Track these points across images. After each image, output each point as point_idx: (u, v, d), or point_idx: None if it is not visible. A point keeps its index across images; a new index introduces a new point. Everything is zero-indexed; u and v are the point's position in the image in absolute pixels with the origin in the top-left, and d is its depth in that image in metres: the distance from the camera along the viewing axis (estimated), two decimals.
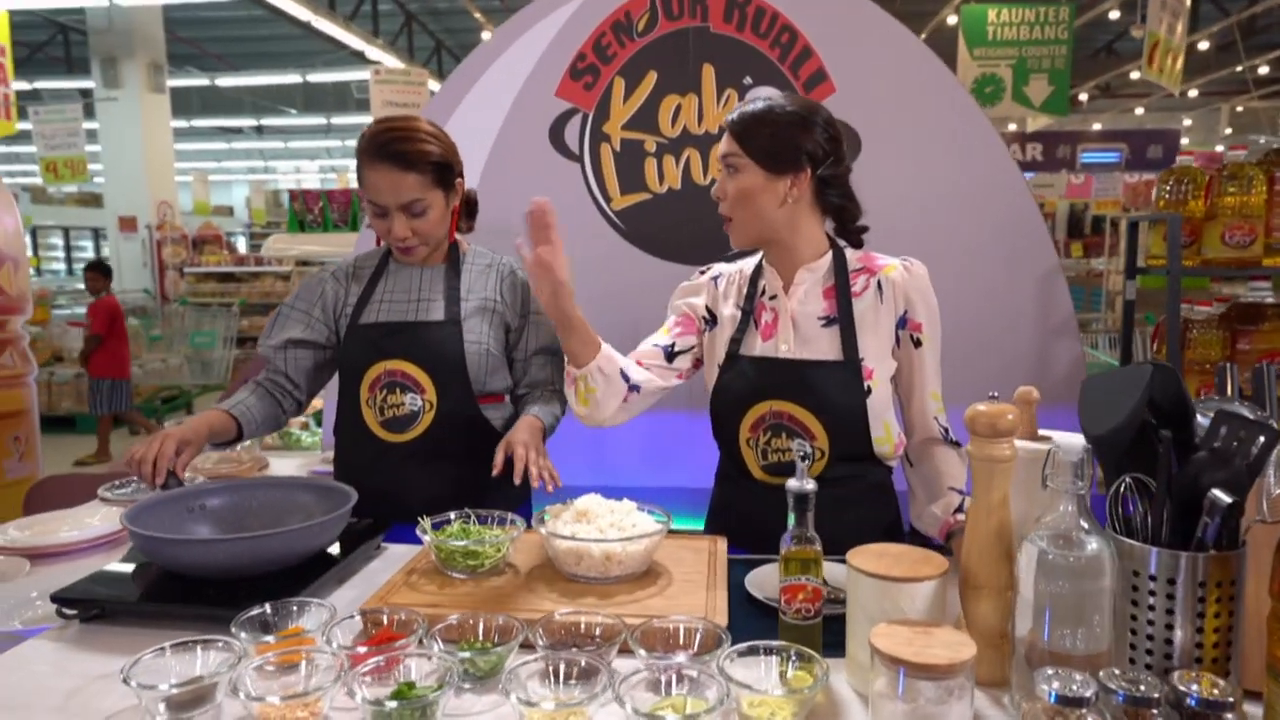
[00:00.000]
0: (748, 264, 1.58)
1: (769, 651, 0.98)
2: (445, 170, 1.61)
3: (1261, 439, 0.88)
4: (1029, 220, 2.38)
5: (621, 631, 1.04)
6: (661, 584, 1.24)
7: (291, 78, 11.51)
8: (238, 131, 17.42)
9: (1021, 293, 2.38)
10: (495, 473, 1.43)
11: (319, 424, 4.35)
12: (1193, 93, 13.70)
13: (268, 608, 1.07)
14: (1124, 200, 9.69)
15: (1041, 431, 1.12)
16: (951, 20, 9.36)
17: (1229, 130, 16.03)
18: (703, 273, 1.63)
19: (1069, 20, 7.42)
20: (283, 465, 2.41)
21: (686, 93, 2.39)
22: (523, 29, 2.47)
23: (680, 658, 1.00)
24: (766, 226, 1.45)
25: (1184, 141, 13.84)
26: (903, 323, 1.46)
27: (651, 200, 2.44)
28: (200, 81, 12.57)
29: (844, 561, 1.02)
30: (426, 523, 1.29)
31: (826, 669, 0.94)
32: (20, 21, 10.44)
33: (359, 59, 11.28)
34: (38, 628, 1.20)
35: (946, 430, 1.48)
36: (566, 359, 1.46)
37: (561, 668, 0.96)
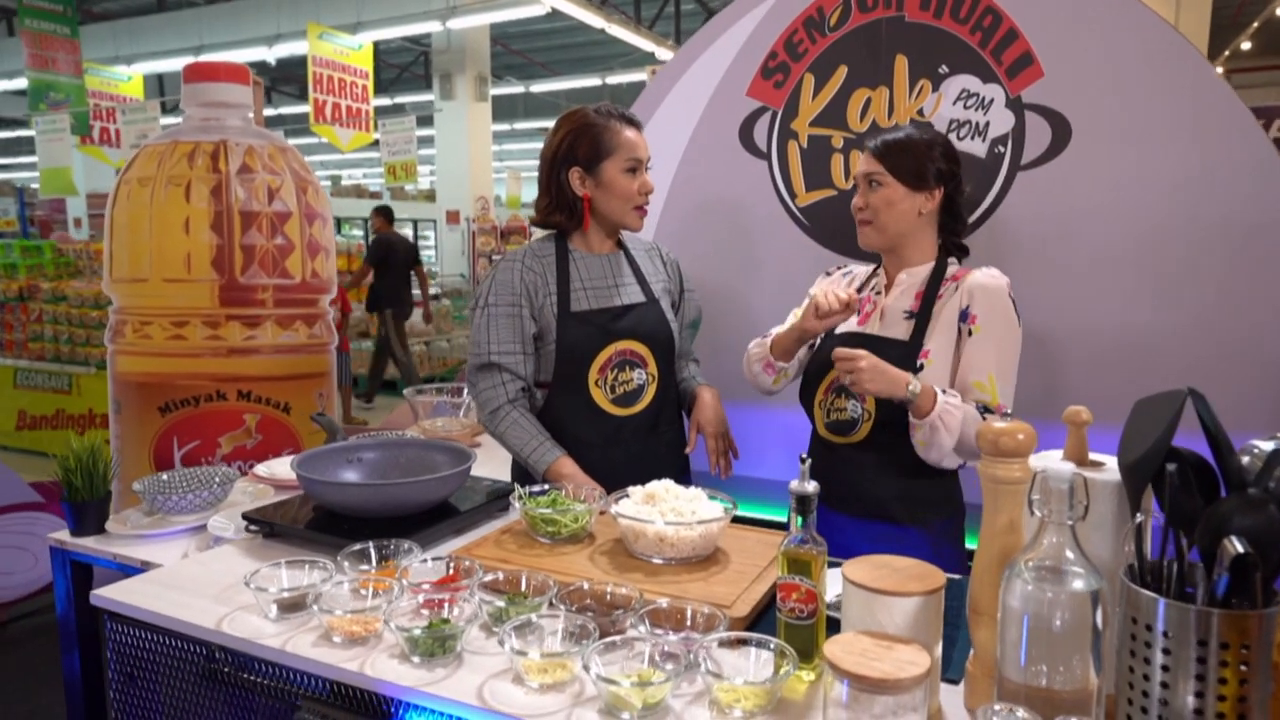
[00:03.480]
0: (871, 267, 1.86)
1: (753, 643, 1.01)
2: None
3: None
4: None
5: (635, 604, 1.12)
6: (712, 571, 1.29)
7: (592, 81, 12.49)
8: None
9: (1274, 299, 2.00)
10: (689, 450, 1.78)
11: None
12: None
13: (370, 545, 1.30)
14: None
15: (1094, 456, 1.00)
16: None
17: None
18: (840, 267, 1.95)
19: None
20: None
21: (877, 86, 2.32)
22: (720, 31, 2.55)
23: (675, 636, 1.07)
24: (897, 232, 1.69)
25: None
26: (963, 316, 1.61)
27: (836, 196, 2.40)
28: (517, 89, 14.11)
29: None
30: (522, 490, 1.46)
31: (794, 663, 0.96)
32: (393, 48, 12.46)
33: (653, 59, 11.93)
34: (238, 535, 1.55)
35: (984, 405, 1.55)
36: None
37: (561, 628, 1.08)
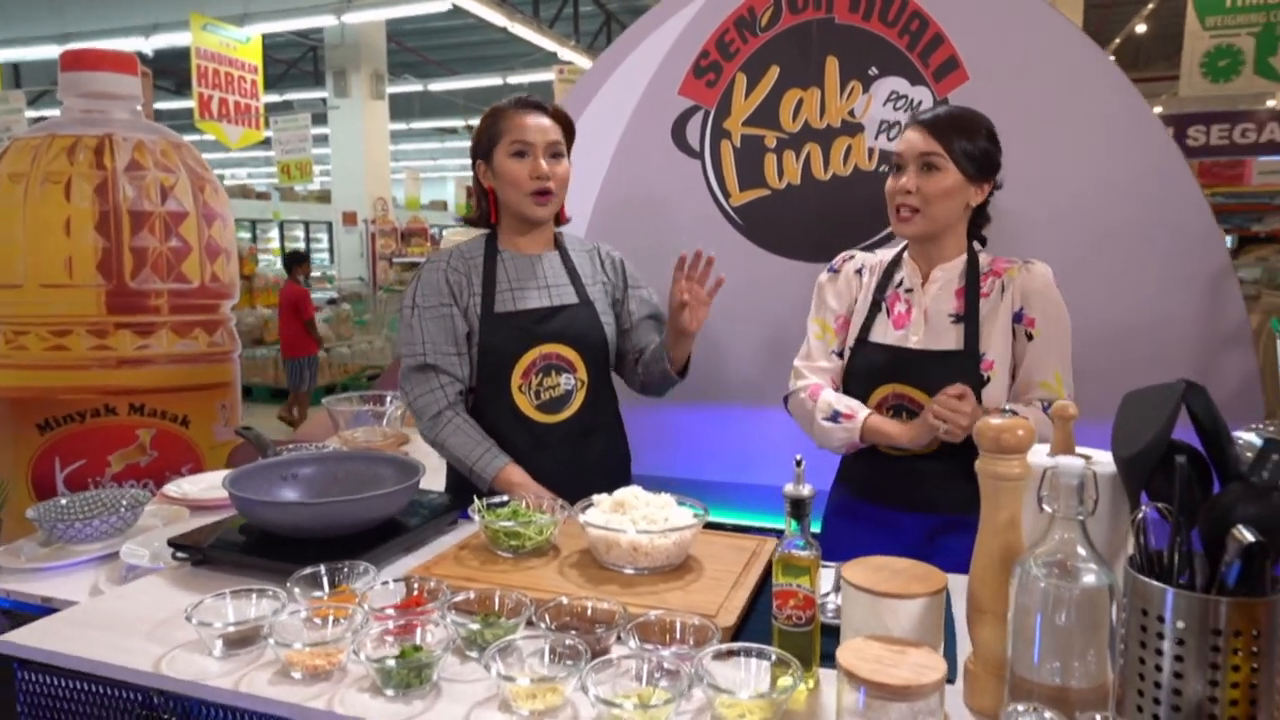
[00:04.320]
0: (886, 254, 1.71)
1: (750, 654, 0.98)
2: (570, 134, 1.76)
3: None
4: (1195, 214, 2.12)
5: (619, 619, 1.07)
6: (688, 579, 1.25)
7: (493, 80, 12.29)
8: (452, 131, 18.83)
9: (1184, 296, 2.13)
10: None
11: None
12: None
13: (321, 568, 1.20)
14: None
15: (1081, 450, 1.02)
16: None
17: None
18: (847, 260, 1.75)
19: None
20: (422, 441, 2.63)
21: (809, 86, 2.34)
22: (651, 28, 2.52)
23: (668, 651, 1.02)
24: (944, 225, 1.57)
25: None
26: (1018, 317, 1.55)
27: (770, 196, 2.41)
28: (415, 87, 13.74)
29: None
30: (480, 503, 1.39)
31: (799, 675, 0.93)
32: (280, 43, 11.93)
33: (555, 60, 11.84)
34: (163, 565, 1.41)
35: (1048, 402, 1.48)
36: None
37: (548, 647, 1.02)
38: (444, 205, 19.80)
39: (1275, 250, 9.39)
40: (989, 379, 1.53)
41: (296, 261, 7.31)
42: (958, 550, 1.48)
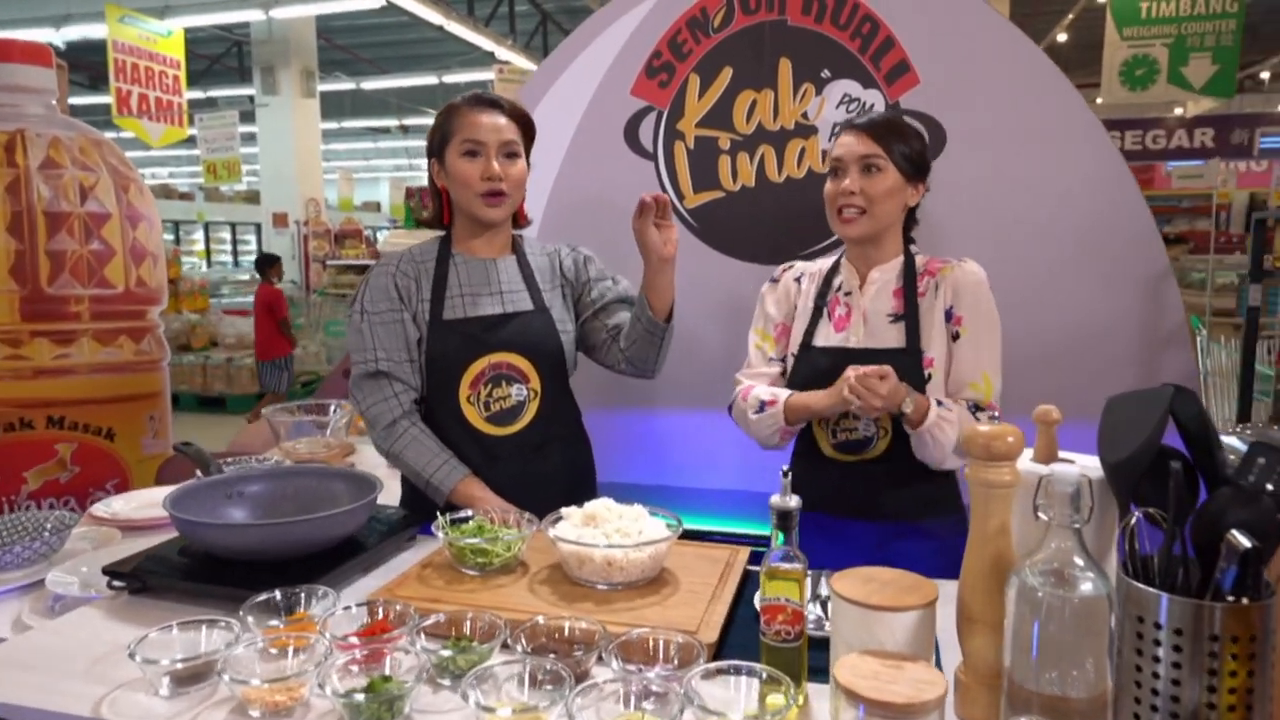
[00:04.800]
0: (825, 263, 1.74)
1: (738, 671, 0.95)
2: (529, 132, 1.68)
3: None
4: (1136, 217, 2.18)
5: (600, 640, 1.03)
6: (665, 593, 1.22)
7: (428, 79, 12.06)
8: (385, 131, 18.45)
9: (1127, 297, 2.18)
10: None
11: None
12: None
13: (277, 593, 1.13)
14: None
15: (1063, 454, 1.02)
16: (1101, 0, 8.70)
17: None
18: (786, 270, 1.77)
19: None
20: (369, 452, 2.54)
21: (762, 88, 2.34)
22: (599, 30, 2.48)
23: (654, 672, 0.98)
24: (886, 225, 1.60)
25: None
26: (948, 315, 1.58)
27: (725, 198, 2.39)
28: (347, 86, 13.40)
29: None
30: (444, 519, 1.33)
31: (793, 694, 0.90)
32: (202, 37, 11.49)
33: (492, 59, 11.69)
34: (97, 595, 1.31)
35: (975, 404, 1.54)
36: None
37: (527, 673, 0.97)
38: (377, 206, 19.39)
39: (1185, 250, 9.85)
40: (930, 376, 1.56)
41: (269, 263, 7.34)
42: (912, 556, 1.49)
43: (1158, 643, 0.81)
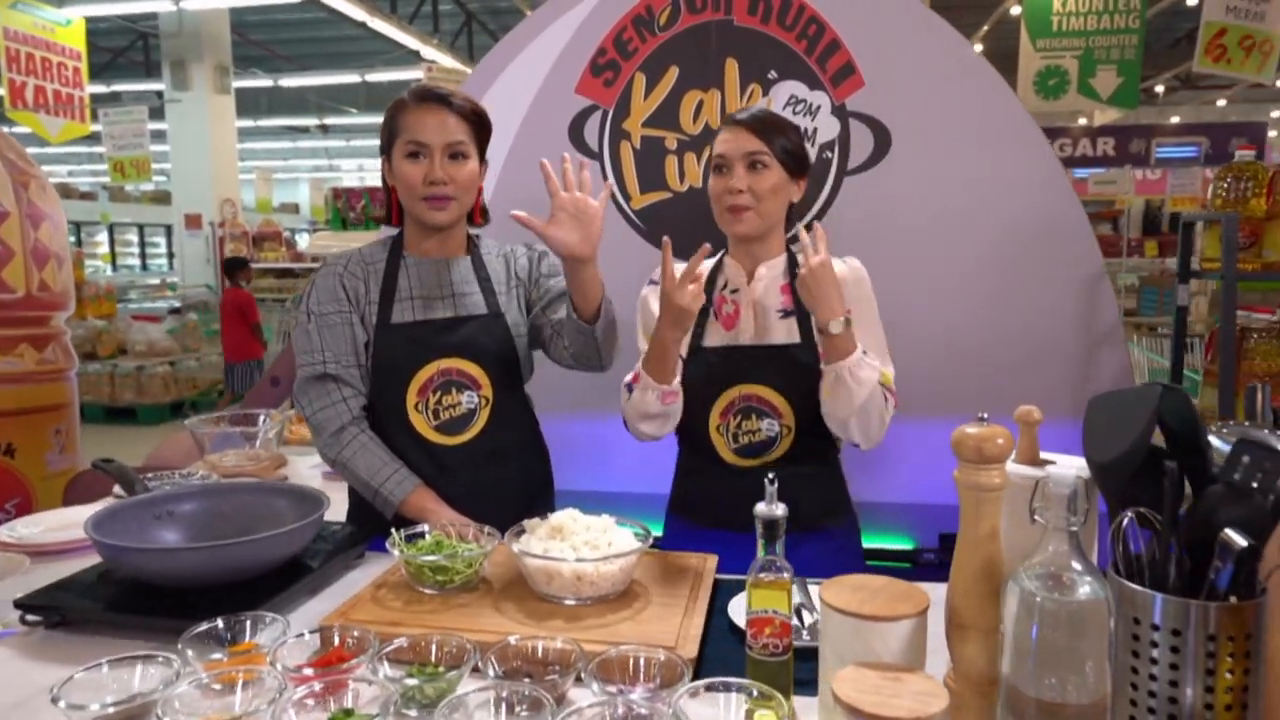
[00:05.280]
0: (705, 264, 1.62)
1: (729, 688, 0.91)
2: (483, 129, 1.57)
3: None
4: (1073, 220, 2.23)
5: (578, 660, 0.98)
6: (636, 607, 1.17)
7: (351, 78, 11.72)
8: (304, 130, 17.87)
9: (1064, 297, 2.24)
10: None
11: None
12: None
13: (219, 622, 1.04)
14: (1204, 197, 9.23)
15: (1044, 455, 1.02)
16: (1015, 11, 9.04)
17: None
18: (654, 277, 1.65)
19: (1141, 9, 7.07)
20: (302, 464, 2.42)
21: (709, 88, 2.31)
22: (543, 26, 2.42)
23: (638, 692, 0.93)
24: (774, 221, 1.58)
25: (1271, 135, 13.11)
26: None
27: (672, 199, 2.36)
28: (264, 83, 12.92)
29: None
30: (398, 535, 1.25)
31: (789, 712, 0.86)
32: (104, 28, 10.90)
33: (418, 58, 11.45)
34: (7, 631, 1.19)
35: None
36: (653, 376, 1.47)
37: (504, 698, 0.91)
38: (296, 208, 18.76)
39: None
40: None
41: (238, 267, 7.19)
42: (816, 561, 1.48)
43: (1154, 644, 0.80)
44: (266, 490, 1.40)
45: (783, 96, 2.28)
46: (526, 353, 1.64)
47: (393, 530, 1.25)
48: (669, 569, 1.30)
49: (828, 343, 1.41)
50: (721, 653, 1.10)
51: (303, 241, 13.15)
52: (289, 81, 12.74)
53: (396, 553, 1.22)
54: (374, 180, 21.60)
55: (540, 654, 1.01)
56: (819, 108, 2.27)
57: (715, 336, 1.59)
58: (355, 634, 1.03)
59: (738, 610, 1.19)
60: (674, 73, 2.32)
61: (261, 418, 2.54)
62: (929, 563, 2.25)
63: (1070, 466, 0.99)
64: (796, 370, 1.51)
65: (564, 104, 2.39)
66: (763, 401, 1.52)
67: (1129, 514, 0.84)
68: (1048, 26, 7.37)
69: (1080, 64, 7.40)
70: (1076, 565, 0.81)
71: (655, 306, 1.53)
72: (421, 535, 1.28)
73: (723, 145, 1.55)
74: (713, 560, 1.34)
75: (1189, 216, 2.22)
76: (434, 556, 1.19)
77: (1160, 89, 13.46)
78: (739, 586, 1.27)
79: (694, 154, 2.34)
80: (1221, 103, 14.66)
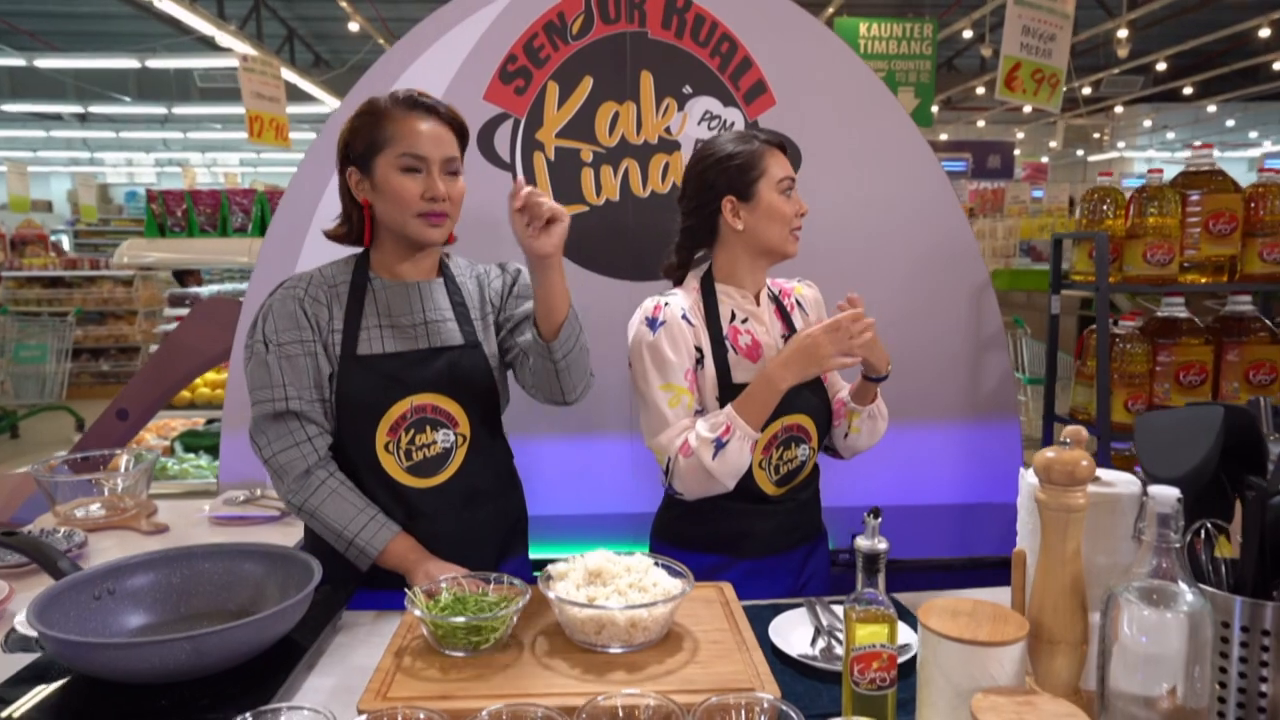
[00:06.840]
0: (686, 296, 1.55)
1: None
2: (464, 141, 1.51)
3: None
4: (961, 235, 2.42)
5: (675, 716, 0.92)
6: (689, 648, 1.12)
7: (128, 62, 10.46)
8: (57, 119, 15.75)
9: (956, 306, 2.42)
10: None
11: (187, 449, 3.89)
12: (1026, 108, 14.86)
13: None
14: (973, 206, 10.39)
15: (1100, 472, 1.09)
16: None
17: (1054, 144, 17.51)
18: (662, 308, 1.51)
19: (933, 36, 7.82)
20: (175, 512, 2.11)
21: (624, 100, 2.28)
22: (447, 27, 2.28)
23: None
24: None
25: (1016, 153, 15.02)
26: None
27: (589, 213, 2.31)
28: (15, 62, 11.22)
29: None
30: (418, 594, 1.12)
31: None
32: None
33: (205, 44, 10.43)
34: None
35: None
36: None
37: None
38: (48, 206, 16.49)
39: None
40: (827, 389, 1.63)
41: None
42: (820, 576, 1.61)
43: (1245, 644, 0.87)
44: (231, 554, 1.20)
45: (698, 112, 2.29)
46: (504, 383, 1.53)
47: (408, 589, 1.12)
48: (693, 601, 1.27)
49: (873, 388, 1.51)
50: (786, 684, 1.08)
51: (66, 245, 11.57)
52: (48, 63, 11.18)
53: (418, 613, 1.09)
54: (145, 177, 19.42)
55: (635, 713, 0.94)
56: (732, 124, 2.30)
57: (743, 371, 1.50)
58: (421, 717, 0.91)
59: (782, 637, 1.18)
60: (588, 83, 2.27)
61: (125, 461, 2.20)
62: (847, 564, 2.35)
63: (1126, 483, 1.05)
64: (818, 395, 1.55)
65: (471, 111, 2.25)
66: (801, 430, 1.53)
67: (1208, 524, 0.92)
68: (855, 49, 7.98)
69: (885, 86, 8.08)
70: (1181, 579, 0.87)
71: (666, 351, 1.46)
72: (435, 590, 1.16)
73: (785, 169, 1.56)
74: (729, 589, 1.32)
75: (1059, 235, 2.48)
76: (466, 617, 1.08)
77: (935, 109, 14.96)
78: (766, 611, 1.27)
79: (610, 167, 2.30)
80: (981, 123, 16.55)
